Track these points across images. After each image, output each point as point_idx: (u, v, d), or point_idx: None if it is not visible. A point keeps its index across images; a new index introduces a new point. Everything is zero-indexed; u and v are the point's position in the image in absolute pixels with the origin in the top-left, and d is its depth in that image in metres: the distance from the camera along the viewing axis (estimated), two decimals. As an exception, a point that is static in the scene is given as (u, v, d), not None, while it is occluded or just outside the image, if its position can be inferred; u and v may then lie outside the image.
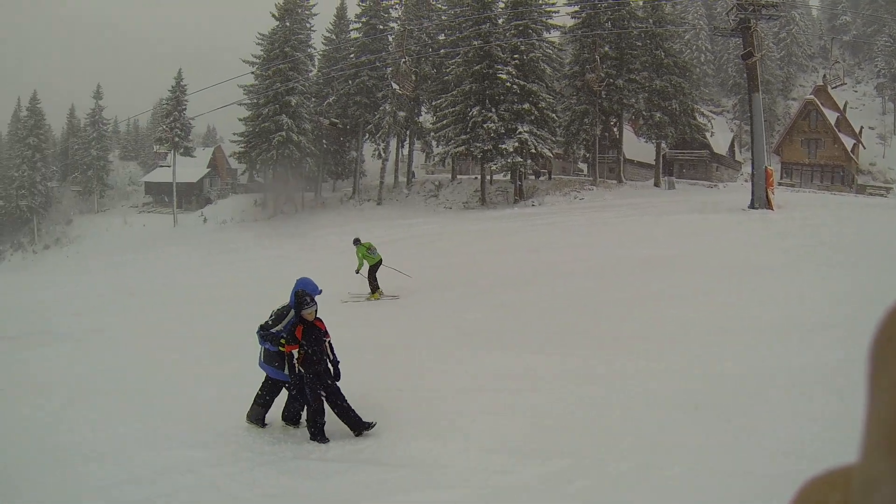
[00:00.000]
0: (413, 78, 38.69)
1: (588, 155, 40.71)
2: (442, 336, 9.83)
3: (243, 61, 44.98)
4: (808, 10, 61.04)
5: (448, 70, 37.79)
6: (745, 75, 29.60)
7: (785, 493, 0.44)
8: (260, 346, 6.93)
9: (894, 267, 10.72)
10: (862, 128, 47.14)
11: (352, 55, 44.71)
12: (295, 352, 6.43)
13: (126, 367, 10.60)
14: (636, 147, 42.87)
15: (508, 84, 33.93)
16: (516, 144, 33.53)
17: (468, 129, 34.99)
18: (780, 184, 31.98)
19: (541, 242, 19.82)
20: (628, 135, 40.98)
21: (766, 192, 22.31)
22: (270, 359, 6.80)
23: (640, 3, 37.17)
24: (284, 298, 15.59)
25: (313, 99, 45.00)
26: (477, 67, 34.86)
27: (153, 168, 66.37)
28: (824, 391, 5.73)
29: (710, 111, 44.85)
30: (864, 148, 47.03)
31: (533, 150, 33.84)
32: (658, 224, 20.02)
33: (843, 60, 53.81)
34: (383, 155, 41.03)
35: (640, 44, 36.74)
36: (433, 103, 40.51)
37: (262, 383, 6.96)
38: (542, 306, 11.24)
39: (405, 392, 6.93)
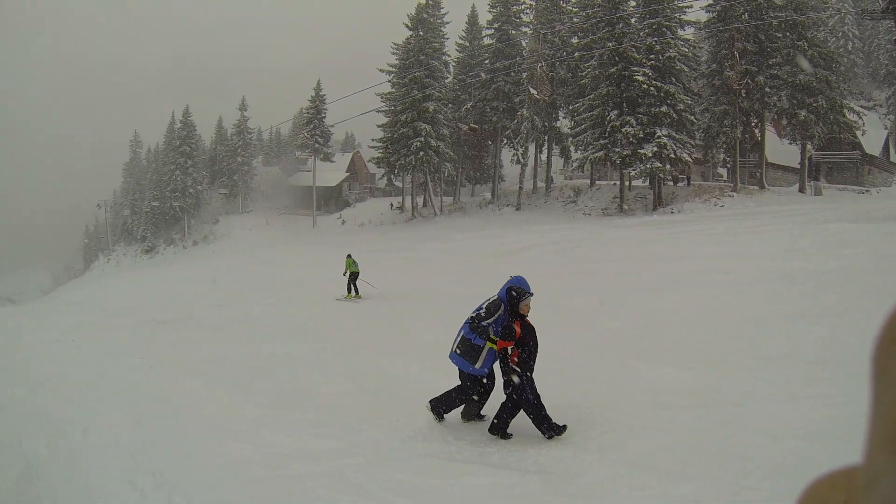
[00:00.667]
0: (549, 83, 39.40)
1: (728, 159, 39.92)
2: (580, 344, 9.88)
3: (380, 70, 47.22)
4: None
5: (583, 73, 37.70)
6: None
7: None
8: (456, 337, 6.84)
9: None
10: None
11: (486, 61, 46.14)
12: (508, 349, 6.28)
13: (259, 355, 11.60)
14: (779, 149, 41.44)
15: (645, 86, 33.57)
16: (655, 149, 33.24)
17: (606, 134, 34.94)
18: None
19: (681, 251, 19.56)
20: (770, 136, 39.48)
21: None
22: (467, 352, 6.66)
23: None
24: (417, 299, 16.65)
25: (450, 105, 46.50)
26: (612, 70, 34.67)
27: (295, 172, 71.07)
28: None
29: (861, 106, 41.89)
30: None
31: (672, 155, 33.43)
32: (805, 234, 19.11)
33: None
34: (522, 160, 41.41)
35: (780, 35, 34.99)
36: (570, 108, 40.79)
37: (461, 381, 6.90)
38: (682, 317, 11.14)
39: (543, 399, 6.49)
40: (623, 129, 33.86)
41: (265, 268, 31.66)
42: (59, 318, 21.85)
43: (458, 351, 6.73)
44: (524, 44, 44.18)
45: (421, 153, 42.62)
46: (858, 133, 39.10)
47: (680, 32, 36.85)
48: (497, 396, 6.78)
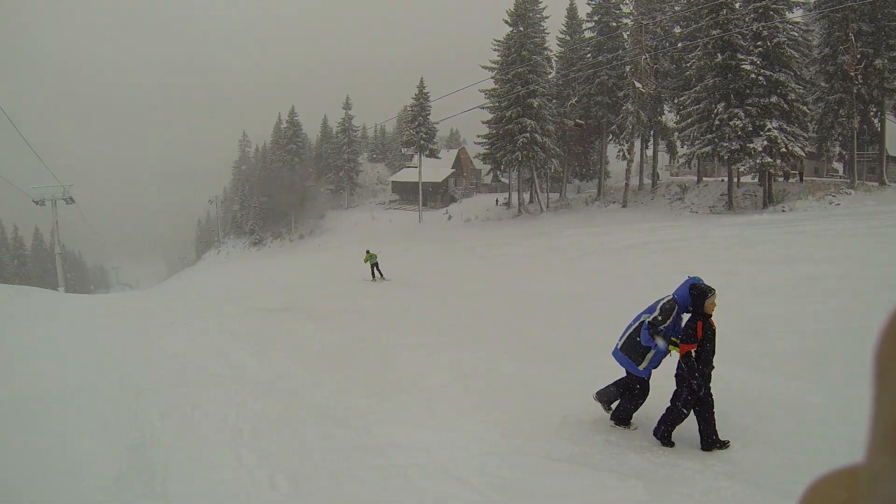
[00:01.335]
0: (653, 75, 39.13)
1: (844, 152, 38.06)
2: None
3: (482, 67, 48.50)
4: None
5: (688, 64, 36.65)
6: None
7: None
8: (623, 334, 6.85)
9: None
10: None
11: (588, 55, 46.35)
12: (692, 352, 6.09)
13: (366, 345, 12.11)
14: (901, 141, 38.43)
15: (753, 75, 32.22)
16: (765, 143, 32.15)
17: (713, 128, 34.07)
18: None
19: (792, 253, 18.48)
20: (891, 126, 36.66)
21: None
22: (632, 351, 6.65)
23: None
24: (522, 295, 16.70)
25: (554, 101, 47.07)
26: (718, 59, 33.42)
27: (400, 169, 74.22)
28: None
29: None
30: None
31: (783, 149, 32.13)
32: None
33: None
34: (627, 156, 41.51)
35: (900, 11, 31.75)
36: (675, 101, 40.25)
37: (623, 380, 6.91)
38: (793, 326, 10.69)
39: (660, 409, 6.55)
40: (731, 123, 33.03)
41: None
42: (175, 303, 23.95)
43: (623, 349, 6.74)
44: (625, 36, 44.14)
45: (527, 149, 43.34)
46: None
47: (788, 15, 34.44)
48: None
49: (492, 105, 46.83)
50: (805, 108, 33.82)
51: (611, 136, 45.20)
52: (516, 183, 50.18)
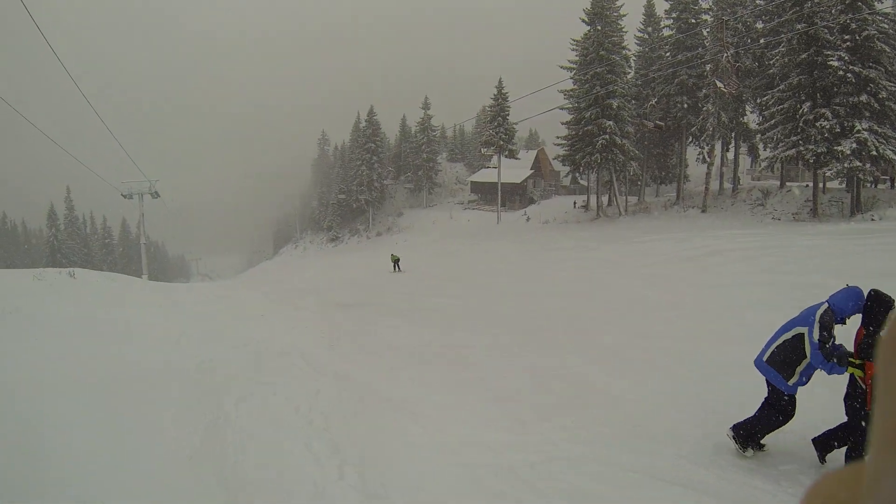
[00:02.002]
0: (735, 74, 38.16)
1: None
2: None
3: (560, 67, 48.95)
4: None
5: (771, 62, 35.57)
6: None
7: None
8: (769, 343, 6.40)
9: None
10: None
11: (667, 54, 45.99)
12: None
13: (441, 343, 12.45)
14: None
15: (841, 72, 30.72)
16: (854, 146, 30.49)
17: (798, 130, 32.80)
18: None
19: (882, 266, 17.18)
20: None
21: None
22: (781, 364, 6.18)
23: None
24: (598, 299, 16.87)
25: (633, 101, 46.91)
26: (803, 56, 32.14)
27: (479, 169, 75.50)
28: None
29: None
30: None
31: (873, 153, 30.24)
32: None
33: None
34: (708, 159, 40.86)
35: None
36: (758, 101, 39.17)
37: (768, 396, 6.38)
38: None
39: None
40: (817, 124, 31.63)
41: (448, 260, 34.43)
42: (253, 294, 25.41)
43: (769, 361, 6.27)
44: (705, 33, 43.51)
45: (606, 151, 43.34)
46: None
47: (878, 6, 32.38)
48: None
49: (570, 106, 47.06)
50: (898, 107, 32.31)
51: (691, 139, 44.31)
52: (595, 185, 50.15)
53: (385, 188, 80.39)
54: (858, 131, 30.74)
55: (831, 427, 6.04)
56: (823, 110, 31.95)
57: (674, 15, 44.97)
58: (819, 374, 6.19)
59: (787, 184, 40.69)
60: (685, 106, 43.68)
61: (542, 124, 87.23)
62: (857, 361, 5.74)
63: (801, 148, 32.69)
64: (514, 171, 67.16)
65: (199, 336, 13.74)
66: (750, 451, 6.30)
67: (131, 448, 6.82)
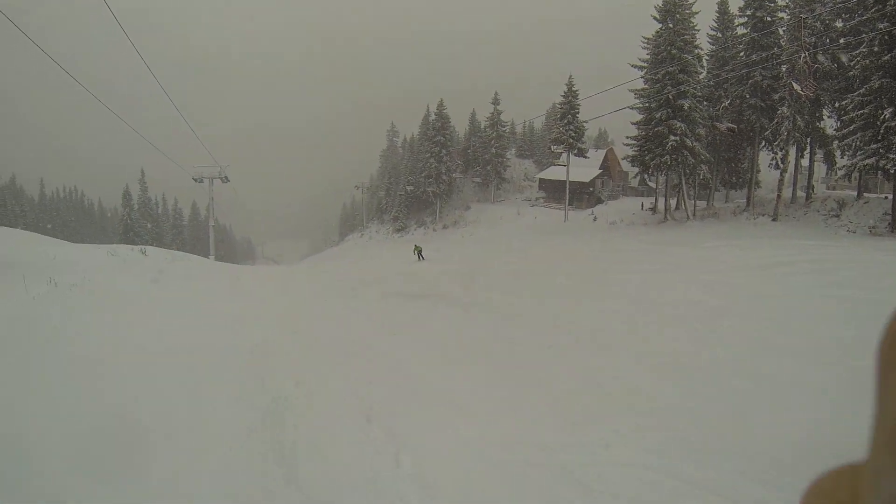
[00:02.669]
0: (812, 76, 37.12)
1: None
2: (835, 384, 8.72)
3: (631, 66, 48.49)
4: None
5: (851, 63, 34.14)
6: None
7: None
8: None
9: None
10: None
11: (741, 53, 44.66)
12: None
13: (500, 339, 12.44)
14: None
15: None
16: None
17: (878, 137, 31.50)
18: None
19: None
20: None
21: None
22: None
23: None
24: (660, 304, 16.36)
25: (705, 102, 46.19)
26: (886, 57, 30.91)
27: (547, 166, 76.27)
28: None
29: None
30: None
31: None
32: None
33: None
34: (781, 165, 40.20)
35: None
36: (836, 105, 38.11)
37: None
38: None
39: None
40: None
41: (512, 256, 33.72)
42: (317, 280, 26.36)
43: None
44: (781, 32, 41.58)
45: (676, 153, 43.04)
46: None
47: None
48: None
49: (641, 105, 46.61)
50: None
51: (763, 143, 43.40)
52: (663, 188, 49.89)
53: (453, 181, 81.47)
54: (945, 140, 30.29)
55: None
56: (908, 116, 31.64)
57: (748, 13, 43.34)
58: None
59: (865, 194, 39.29)
60: (759, 108, 42.46)
61: (611, 123, 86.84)
62: None
63: (882, 157, 31.67)
64: (583, 169, 67.26)
65: (260, 318, 14.43)
66: None
67: (194, 416, 7.45)
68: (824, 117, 41.53)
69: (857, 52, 33.51)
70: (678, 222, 45.50)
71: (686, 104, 42.70)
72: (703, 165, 44.94)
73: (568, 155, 59.67)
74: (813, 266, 22.00)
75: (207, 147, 40.58)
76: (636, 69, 47.73)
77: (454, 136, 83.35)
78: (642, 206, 55.48)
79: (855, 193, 40.21)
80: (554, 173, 71.45)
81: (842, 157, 38.58)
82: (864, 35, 33.19)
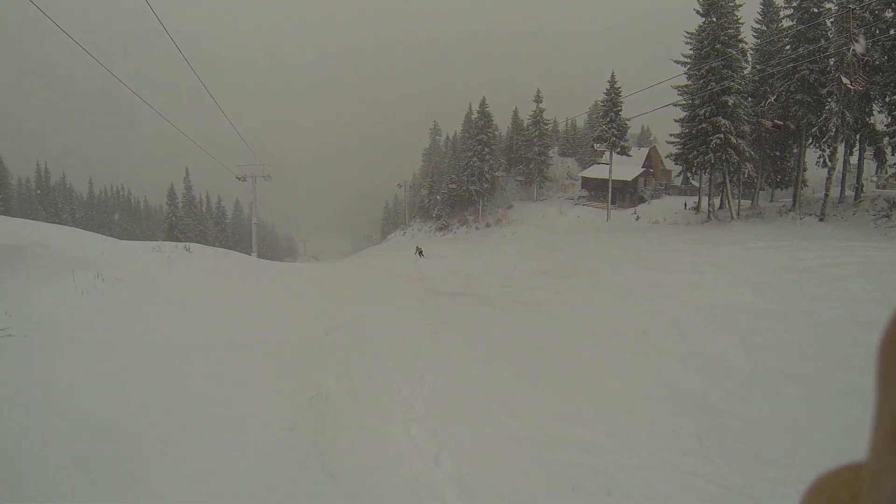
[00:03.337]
0: (862, 69, 35.99)
1: None
2: None
3: (674, 61, 48.38)
4: None
5: None
6: None
7: None
8: None
9: None
10: None
11: (787, 47, 43.65)
12: None
13: (542, 338, 12.63)
14: None
15: None
16: None
17: None
18: None
19: None
20: None
21: None
22: None
23: None
24: (705, 306, 16.41)
25: (750, 98, 45.33)
26: None
27: (590, 164, 76.23)
28: None
29: None
30: None
31: None
32: None
33: None
34: (828, 163, 38.76)
35: None
36: (887, 100, 37.09)
37: None
38: None
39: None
40: None
41: (555, 255, 34.01)
42: (360, 277, 27.09)
43: None
44: (829, 23, 40.28)
45: (720, 151, 42.41)
46: None
47: None
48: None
49: (684, 102, 46.11)
50: None
51: (811, 140, 42.32)
52: (707, 187, 49.39)
53: (496, 180, 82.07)
54: None
55: None
56: (961, 111, 29.02)
57: (794, 4, 42.45)
58: None
59: (917, 194, 37.33)
60: (806, 104, 41.30)
61: (654, 121, 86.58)
62: None
63: (935, 154, 29.87)
64: (626, 168, 67.22)
65: (302, 314, 14.85)
66: None
67: (241, 413, 7.62)
68: (875, 112, 40.10)
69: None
70: (722, 222, 44.86)
71: (730, 100, 42.00)
72: (747, 164, 44.15)
73: (611, 153, 59.58)
74: (861, 269, 21.81)
75: (251, 146, 42.03)
76: (679, 65, 47.50)
77: (497, 134, 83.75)
78: (685, 205, 55.30)
79: (907, 192, 39.34)
80: (596, 172, 71.51)
81: (893, 155, 38.29)
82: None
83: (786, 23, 44.64)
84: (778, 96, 43.25)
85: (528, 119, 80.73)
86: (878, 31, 37.56)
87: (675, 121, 47.44)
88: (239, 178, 51.95)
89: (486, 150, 79.47)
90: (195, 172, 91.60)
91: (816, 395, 8.54)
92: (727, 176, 45.47)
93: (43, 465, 5.47)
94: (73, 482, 5.38)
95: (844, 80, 35.69)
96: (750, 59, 47.38)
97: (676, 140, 47.31)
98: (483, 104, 79.01)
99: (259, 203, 53.98)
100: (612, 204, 61.84)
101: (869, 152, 42.65)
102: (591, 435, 7.29)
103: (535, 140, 78.67)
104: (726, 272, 22.99)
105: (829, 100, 37.47)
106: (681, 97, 46.65)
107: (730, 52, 42.83)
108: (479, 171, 79.39)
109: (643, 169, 72.01)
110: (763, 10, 48.48)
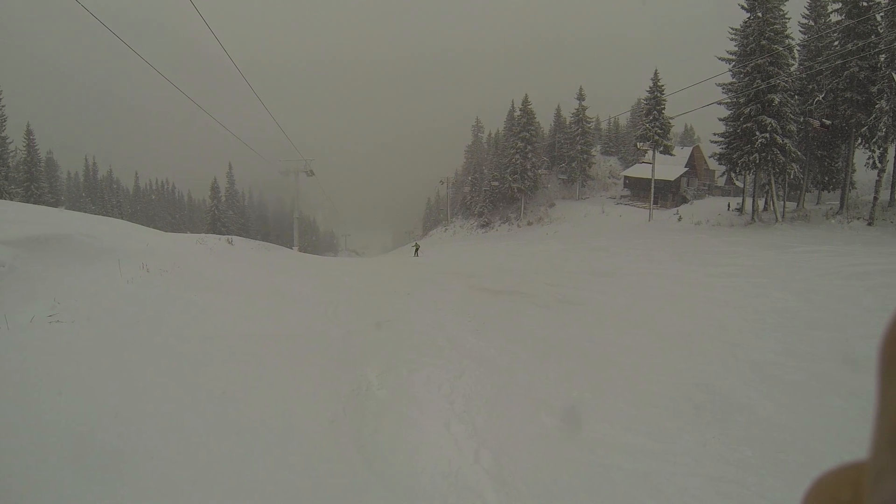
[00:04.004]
0: None
1: None
2: None
3: (718, 59, 47.55)
4: None
5: None
6: None
7: None
8: None
9: None
10: None
11: (836, 42, 42.40)
12: None
13: (585, 338, 12.58)
14: None
15: None
16: None
17: None
18: None
19: None
20: None
21: None
22: None
23: None
24: (749, 310, 16.17)
25: (796, 97, 44.50)
26: None
27: (633, 164, 76.16)
28: None
29: None
30: None
31: None
32: None
33: None
34: (878, 165, 37.90)
35: None
36: None
37: None
38: None
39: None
40: None
41: (598, 254, 33.82)
42: (402, 272, 27.20)
43: None
44: (879, 18, 38.76)
45: (765, 151, 41.74)
46: None
47: None
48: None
49: (729, 101, 45.40)
50: None
51: (860, 140, 40.50)
52: (751, 188, 48.75)
53: (538, 178, 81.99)
54: None
55: None
56: None
57: None
58: None
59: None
60: (856, 102, 39.96)
61: (697, 120, 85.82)
62: None
63: None
64: (668, 167, 66.87)
65: (344, 307, 14.85)
66: None
67: (286, 401, 7.69)
68: (928, 111, 39.12)
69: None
70: (766, 224, 44.18)
71: (776, 98, 41.20)
72: (793, 164, 42.90)
73: (653, 152, 59.18)
74: (912, 277, 21.90)
75: (295, 144, 42.93)
76: (724, 62, 46.85)
77: (539, 131, 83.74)
78: (728, 206, 54.44)
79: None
80: (639, 171, 71.53)
81: (945, 155, 36.38)
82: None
83: (834, 17, 43.20)
84: (826, 94, 42.31)
85: (571, 117, 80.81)
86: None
87: (720, 119, 46.93)
88: (282, 174, 53.33)
89: (529, 147, 79.38)
90: (238, 168, 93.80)
91: (866, 407, 7.85)
92: (772, 177, 44.49)
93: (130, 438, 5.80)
94: (153, 460, 5.59)
95: (895, 76, 34.90)
96: (797, 55, 46.19)
97: (720, 139, 46.63)
98: (525, 101, 78.71)
99: (301, 198, 54.81)
100: (654, 204, 61.57)
101: (922, 154, 41.16)
102: (633, 438, 7.30)
103: (578, 138, 78.56)
104: (770, 276, 22.67)
105: (880, 98, 36.58)
106: (725, 95, 45.93)
107: (776, 49, 41.92)
108: (522, 169, 79.36)
109: (686, 168, 71.52)
110: (810, 4, 46.98)
